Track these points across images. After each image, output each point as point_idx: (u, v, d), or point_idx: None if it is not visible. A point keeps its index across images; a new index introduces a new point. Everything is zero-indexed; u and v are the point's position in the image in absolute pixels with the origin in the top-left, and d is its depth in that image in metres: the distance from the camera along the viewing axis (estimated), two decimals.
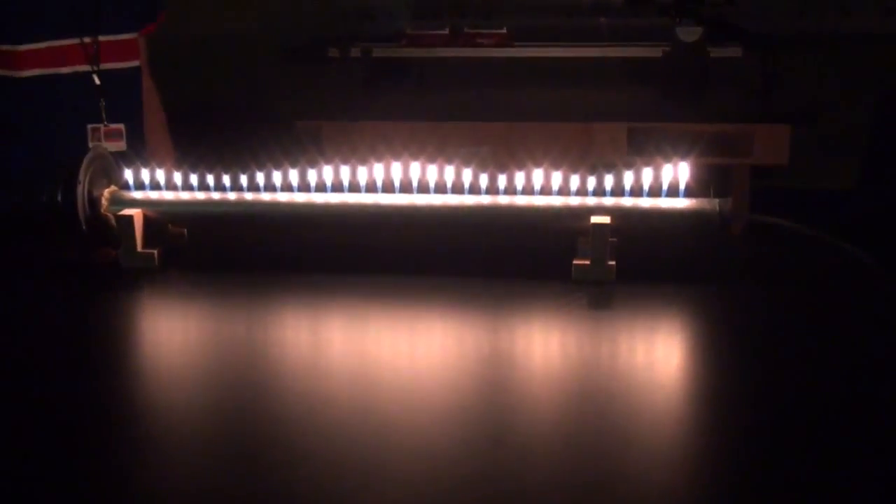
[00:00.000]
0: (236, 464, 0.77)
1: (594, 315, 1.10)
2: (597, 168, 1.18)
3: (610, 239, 1.14)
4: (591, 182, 1.17)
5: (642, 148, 2.31)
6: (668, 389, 0.91)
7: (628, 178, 1.16)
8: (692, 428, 0.84)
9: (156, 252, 1.22)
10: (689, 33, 2.55)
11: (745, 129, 2.35)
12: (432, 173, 1.19)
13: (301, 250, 1.29)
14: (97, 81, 1.79)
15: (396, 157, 1.21)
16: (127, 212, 1.22)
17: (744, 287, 1.16)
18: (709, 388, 0.92)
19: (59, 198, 1.21)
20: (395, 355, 1.00)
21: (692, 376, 0.95)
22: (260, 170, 1.23)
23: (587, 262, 1.14)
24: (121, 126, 1.81)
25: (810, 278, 1.20)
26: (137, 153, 1.80)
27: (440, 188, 1.19)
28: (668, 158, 1.17)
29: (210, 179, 1.24)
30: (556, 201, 1.17)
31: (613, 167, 1.18)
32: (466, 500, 0.72)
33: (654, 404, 0.87)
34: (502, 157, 2.20)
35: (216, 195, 1.23)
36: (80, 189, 1.21)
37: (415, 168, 1.20)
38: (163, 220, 1.24)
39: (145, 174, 1.25)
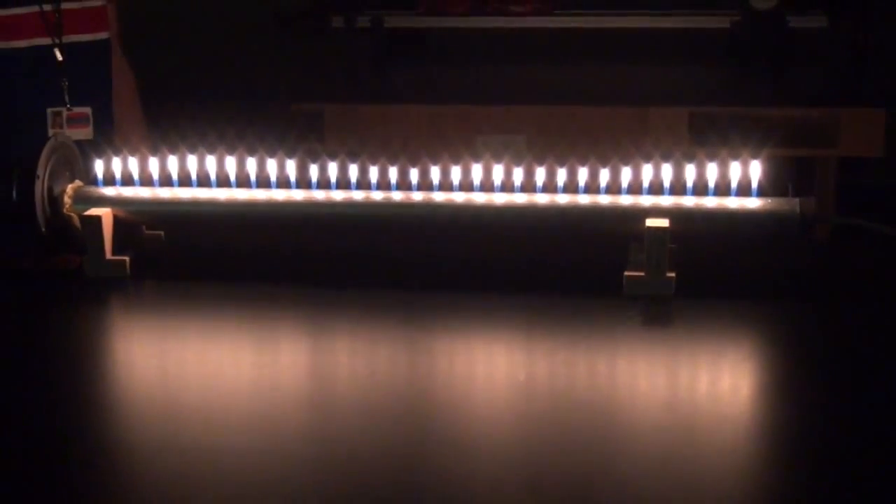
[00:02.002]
0: None
1: (649, 337, 1.09)
2: (653, 161, 1.18)
3: (669, 245, 1.14)
4: (647, 177, 1.17)
5: (707, 137, 2.30)
6: (736, 427, 0.90)
7: (690, 172, 1.16)
8: (765, 473, 0.84)
9: (127, 259, 1.23)
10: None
11: (832, 115, 2.34)
12: (455, 166, 1.19)
13: (299, 257, 1.29)
14: (59, 57, 1.80)
15: (412, 146, 1.21)
16: (94, 211, 1.23)
17: (829, 304, 1.15)
18: (786, 427, 0.91)
19: (15, 195, 1.22)
20: (411, 383, 1.00)
21: (766, 413, 0.95)
22: (251, 162, 1.23)
23: (641, 274, 1.14)
24: (87, 110, 1.82)
25: None
26: (106, 142, 1.81)
27: (465, 184, 1.19)
28: (737, 149, 1.16)
29: (192, 174, 1.25)
30: (605, 200, 1.17)
31: (672, 160, 1.18)
32: None
33: (720, 445, 0.86)
34: (540, 147, 2.20)
35: (199, 192, 1.24)
36: (38, 185, 1.22)
37: (434, 160, 1.20)
38: (136, 221, 1.25)
39: (116, 167, 1.26)
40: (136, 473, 0.84)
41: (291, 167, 1.22)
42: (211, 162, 1.24)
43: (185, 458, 0.85)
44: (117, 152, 1.28)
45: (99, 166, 1.26)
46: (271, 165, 1.22)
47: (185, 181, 1.25)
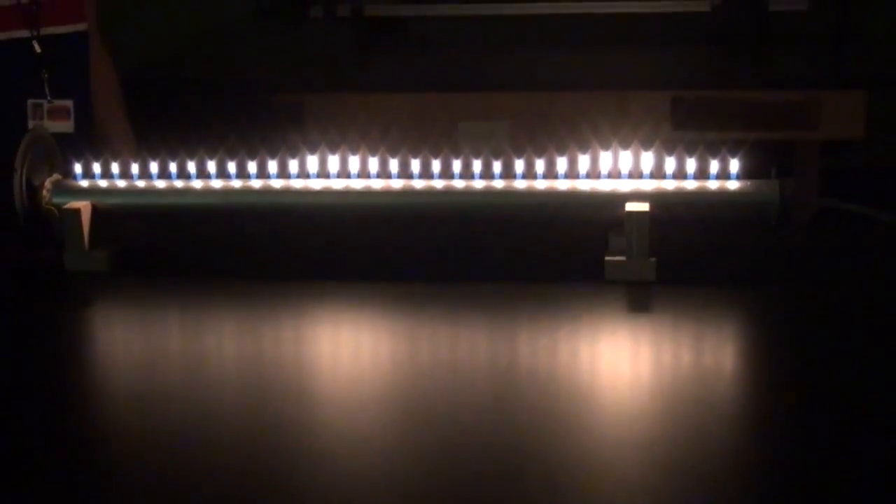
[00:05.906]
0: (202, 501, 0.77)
1: (631, 322, 1.09)
2: (633, 146, 1.18)
3: (649, 230, 1.14)
4: (627, 163, 1.17)
5: (688, 121, 2.31)
6: (719, 411, 0.91)
7: (670, 157, 1.16)
8: (747, 455, 0.84)
9: (108, 253, 1.23)
10: None
11: (812, 98, 2.34)
12: (436, 155, 1.19)
13: (281, 249, 1.29)
14: (38, 49, 1.79)
15: (393, 135, 1.21)
16: (73, 204, 1.22)
17: (811, 287, 1.16)
18: (768, 410, 0.92)
19: None
20: (394, 372, 1.00)
21: (748, 396, 0.95)
22: (230, 154, 1.23)
23: (622, 259, 1.14)
24: (68, 103, 1.82)
25: (891, 276, 1.20)
26: (86, 135, 1.81)
27: (445, 172, 1.19)
28: (718, 133, 1.16)
29: (172, 166, 1.24)
30: (585, 186, 1.17)
31: (653, 145, 1.18)
32: None
33: (703, 427, 0.87)
34: (520, 134, 2.20)
35: (179, 184, 1.24)
36: (16, 178, 1.22)
37: (415, 149, 1.20)
38: (116, 214, 1.25)
39: (95, 159, 1.26)
40: (117, 466, 0.84)
41: (271, 157, 1.22)
42: (191, 154, 1.24)
43: (166, 450, 0.85)
44: (97, 145, 1.27)
45: (78, 159, 1.26)
46: (251, 156, 1.22)
47: (164, 174, 1.24)
